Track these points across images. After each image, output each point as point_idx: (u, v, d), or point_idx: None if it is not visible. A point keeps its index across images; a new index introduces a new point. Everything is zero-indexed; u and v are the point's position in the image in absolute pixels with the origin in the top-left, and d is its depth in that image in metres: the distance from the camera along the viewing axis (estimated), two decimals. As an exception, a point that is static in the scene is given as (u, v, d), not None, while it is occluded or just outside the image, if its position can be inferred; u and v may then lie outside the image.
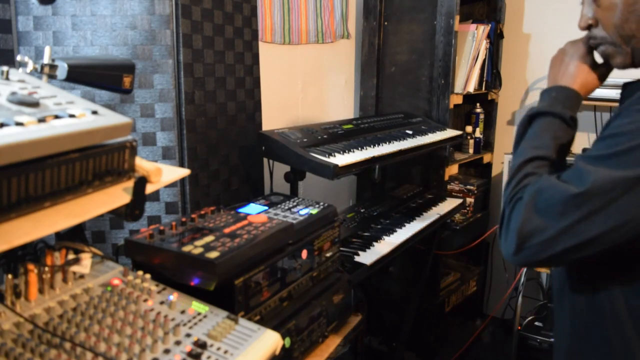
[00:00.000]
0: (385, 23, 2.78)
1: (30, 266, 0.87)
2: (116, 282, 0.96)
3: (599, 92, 2.52)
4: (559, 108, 1.02)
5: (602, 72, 1.09)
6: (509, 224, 0.92)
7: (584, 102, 2.83)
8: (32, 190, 0.70)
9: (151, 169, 0.89)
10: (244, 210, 1.36)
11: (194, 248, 1.02)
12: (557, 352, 1.21)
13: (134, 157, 0.87)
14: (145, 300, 0.93)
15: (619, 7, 0.95)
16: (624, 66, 1.01)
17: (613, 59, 1.02)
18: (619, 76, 1.09)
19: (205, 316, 0.93)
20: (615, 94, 2.33)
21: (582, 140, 2.99)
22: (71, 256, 0.96)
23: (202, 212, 1.22)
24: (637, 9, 0.94)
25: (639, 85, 1.02)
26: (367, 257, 1.74)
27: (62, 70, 1.02)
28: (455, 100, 2.62)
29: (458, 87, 2.64)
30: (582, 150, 2.51)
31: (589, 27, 1.03)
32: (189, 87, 1.56)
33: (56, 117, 0.73)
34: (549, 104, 1.04)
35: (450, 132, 2.46)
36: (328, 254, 1.39)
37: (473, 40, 2.68)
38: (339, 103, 2.94)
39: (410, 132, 2.30)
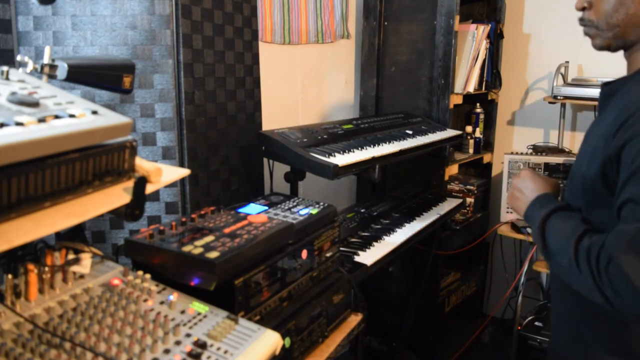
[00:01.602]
0: (385, 23, 2.78)
1: (30, 266, 0.87)
2: (116, 282, 0.96)
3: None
4: (552, 205, 1.13)
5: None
6: (626, 287, 0.90)
7: (584, 102, 2.83)
8: (32, 190, 0.70)
9: (151, 169, 0.89)
10: (244, 210, 1.36)
11: (194, 248, 1.02)
12: (555, 337, 1.28)
13: (134, 157, 0.87)
14: (145, 300, 0.93)
15: None
16: (600, 48, 1.15)
17: (593, 40, 1.15)
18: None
19: (205, 316, 0.93)
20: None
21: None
22: (71, 256, 0.96)
23: (202, 212, 1.22)
24: (627, 3, 1.07)
25: (619, 84, 1.13)
26: (367, 257, 1.74)
27: (62, 70, 1.02)
28: (455, 100, 2.62)
29: (458, 87, 2.64)
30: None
31: (583, 9, 1.15)
32: (189, 87, 1.56)
33: (56, 117, 0.73)
34: (544, 207, 1.13)
35: (450, 132, 2.46)
36: (328, 254, 1.39)
37: (473, 40, 2.68)
38: (339, 103, 2.94)
39: (410, 132, 2.30)
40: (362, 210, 2.22)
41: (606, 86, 1.18)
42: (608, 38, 1.11)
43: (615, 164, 1.00)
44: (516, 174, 1.29)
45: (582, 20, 1.15)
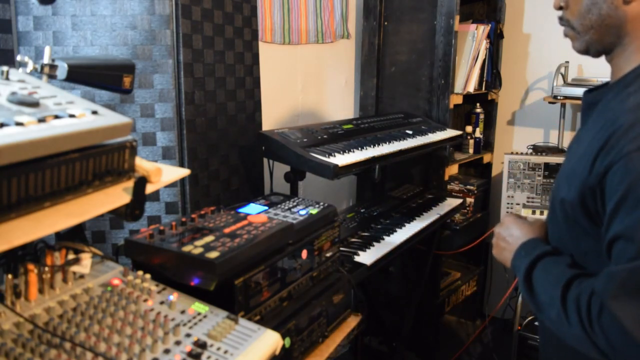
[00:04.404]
0: (385, 23, 2.78)
1: (30, 266, 0.87)
2: (116, 282, 0.96)
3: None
4: (536, 251, 1.05)
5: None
6: (621, 337, 0.82)
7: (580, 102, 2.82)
8: (32, 190, 0.70)
9: (151, 169, 0.89)
10: (244, 210, 1.36)
11: (194, 248, 1.02)
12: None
13: (134, 157, 0.87)
14: (145, 300, 0.93)
15: None
16: (580, 51, 1.09)
17: (572, 43, 1.10)
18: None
19: (205, 316, 0.93)
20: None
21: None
22: (71, 256, 0.96)
23: (202, 212, 1.22)
24: (599, 3, 1.01)
25: (601, 93, 1.07)
26: (367, 257, 1.74)
27: (62, 70, 1.02)
28: (455, 100, 2.62)
29: (458, 87, 2.64)
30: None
31: (560, 8, 1.10)
32: (189, 87, 1.56)
33: (56, 117, 0.73)
34: (529, 255, 1.05)
35: (450, 132, 2.46)
36: (328, 254, 1.39)
37: (473, 40, 2.68)
38: (339, 103, 2.94)
39: (410, 132, 2.30)
40: (362, 210, 2.22)
41: (589, 94, 1.12)
42: (585, 41, 1.05)
43: (598, 193, 0.92)
44: (499, 222, 1.21)
45: (561, 20, 1.10)
